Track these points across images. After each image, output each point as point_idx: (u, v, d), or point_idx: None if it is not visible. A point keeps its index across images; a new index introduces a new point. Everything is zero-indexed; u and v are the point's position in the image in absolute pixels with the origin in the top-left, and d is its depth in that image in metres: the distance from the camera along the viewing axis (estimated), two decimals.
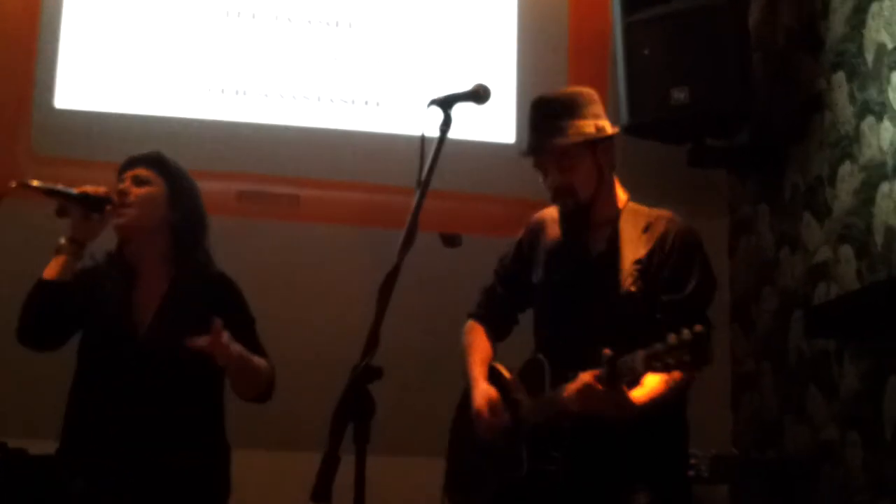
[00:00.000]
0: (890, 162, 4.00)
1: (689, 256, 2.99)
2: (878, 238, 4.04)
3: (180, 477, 3.00)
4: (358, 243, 4.82)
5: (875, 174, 4.09)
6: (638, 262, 2.97)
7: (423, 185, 2.48)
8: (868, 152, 4.16)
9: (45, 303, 3.05)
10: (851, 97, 4.31)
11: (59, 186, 3.08)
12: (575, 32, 5.33)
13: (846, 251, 4.26)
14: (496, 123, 5.08)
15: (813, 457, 4.38)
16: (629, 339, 2.70)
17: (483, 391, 3.07)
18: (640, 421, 2.79)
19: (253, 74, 5.04)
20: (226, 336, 2.89)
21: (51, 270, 3.06)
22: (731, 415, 5.10)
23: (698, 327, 2.49)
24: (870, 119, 4.16)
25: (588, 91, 3.13)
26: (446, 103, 2.62)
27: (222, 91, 5.00)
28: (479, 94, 2.70)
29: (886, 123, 4.04)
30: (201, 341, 2.86)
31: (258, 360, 3.08)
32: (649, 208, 3.12)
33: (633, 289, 2.95)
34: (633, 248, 3.00)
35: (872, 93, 4.15)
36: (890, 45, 4.05)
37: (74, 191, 3.08)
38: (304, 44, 5.11)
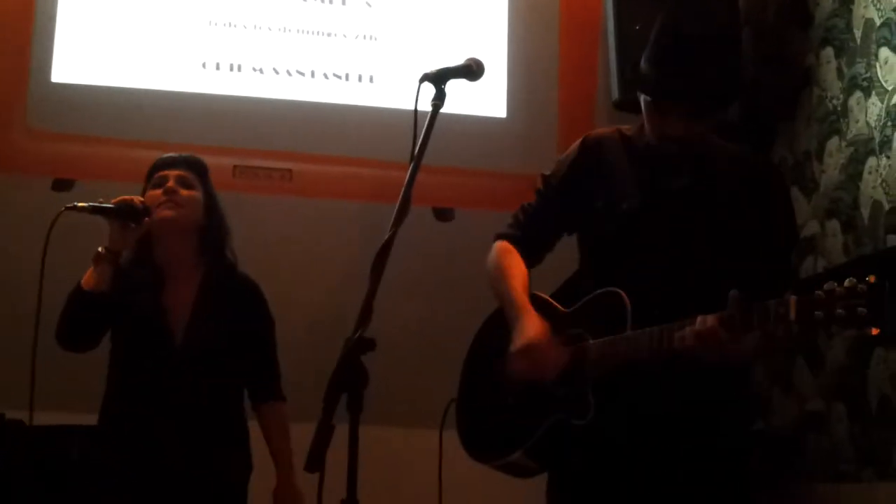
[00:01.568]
0: (877, 137, 4.04)
1: (774, 199, 2.72)
2: (865, 212, 4.08)
3: (210, 466, 3.16)
4: (351, 217, 4.84)
5: (862, 149, 4.13)
6: (727, 204, 2.67)
7: (416, 160, 2.46)
8: (855, 127, 4.19)
9: (85, 312, 3.16)
10: (839, 73, 4.34)
11: (101, 202, 3.14)
12: (566, 8, 5.33)
13: (833, 225, 4.29)
14: (487, 98, 5.09)
15: (800, 428, 4.43)
16: (723, 287, 2.45)
17: (535, 322, 2.71)
18: (719, 380, 2.54)
19: (247, 49, 5.04)
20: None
21: (90, 280, 3.14)
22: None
23: (872, 278, 2.17)
24: (857, 94, 4.19)
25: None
26: (439, 78, 2.57)
27: (217, 66, 5.00)
28: (472, 70, 2.65)
29: (874, 99, 4.08)
30: None
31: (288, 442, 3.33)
32: (730, 144, 2.84)
33: (723, 230, 2.64)
34: (721, 186, 2.70)
35: (860, 68, 4.18)
36: (878, 21, 4.08)
37: (112, 203, 3.14)
38: (297, 19, 5.11)
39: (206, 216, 3.29)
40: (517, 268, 2.86)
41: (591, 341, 2.65)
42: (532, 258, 2.92)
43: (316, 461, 2.14)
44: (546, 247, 2.96)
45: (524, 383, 2.74)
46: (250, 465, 3.32)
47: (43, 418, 3.51)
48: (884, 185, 3.98)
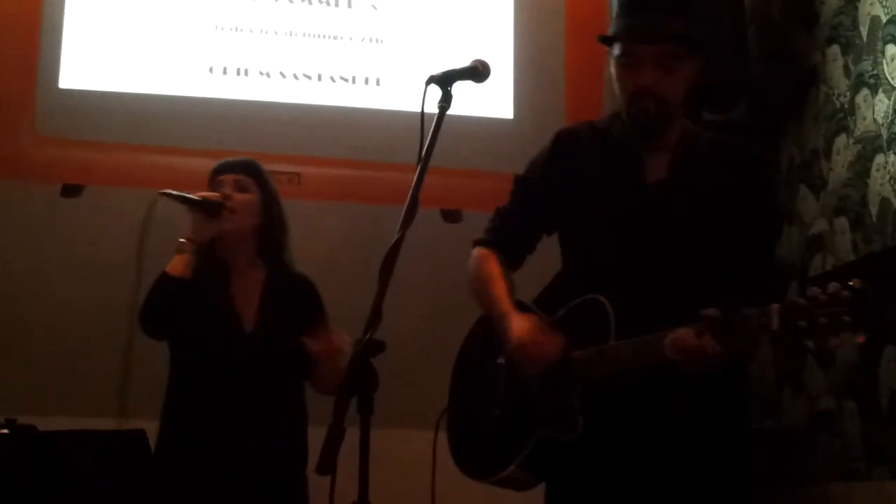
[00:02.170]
0: (884, 134, 4.03)
1: (758, 191, 2.67)
2: (873, 209, 4.07)
3: (272, 453, 3.31)
4: (359, 220, 4.84)
5: (870, 146, 4.12)
6: (707, 198, 2.63)
7: (424, 162, 2.47)
8: (863, 125, 4.18)
9: (170, 296, 3.30)
10: (846, 70, 4.33)
11: (187, 193, 3.32)
12: (572, 8, 5.33)
13: (842, 223, 4.29)
14: (494, 99, 5.09)
15: (810, 426, 4.42)
16: (702, 283, 2.50)
17: (521, 320, 2.68)
18: (709, 384, 2.47)
19: (254, 53, 5.05)
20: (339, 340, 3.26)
21: (175, 267, 3.32)
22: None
23: (857, 282, 2.12)
24: (864, 92, 4.18)
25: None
26: (445, 80, 2.59)
27: (224, 70, 5.01)
28: (478, 72, 2.66)
29: (881, 96, 4.07)
30: (316, 346, 3.28)
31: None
32: (710, 133, 2.80)
33: (703, 226, 2.61)
34: (699, 179, 2.66)
35: (867, 66, 4.18)
36: (884, 18, 4.08)
37: (197, 196, 3.33)
38: (304, 22, 5.12)
39: (264, 216, 3.46)
40: (498, 274, 2.84)
41: (576, 352, 2.62)
42: (513, 262, 2.90)
43: (327, 464, 2.14)
44: (526, 249, 2.93)
45: (511, 395, 2.73)
46: (306, 452, 3.41)
47: (52, 424, 3.52)
48: (892, 182, 3.97)
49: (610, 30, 2.73)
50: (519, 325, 2.68)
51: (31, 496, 3.58)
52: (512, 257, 2.90)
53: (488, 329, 2.85)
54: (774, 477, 4.54)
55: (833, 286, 2.14)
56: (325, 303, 4.61)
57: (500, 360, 2.81)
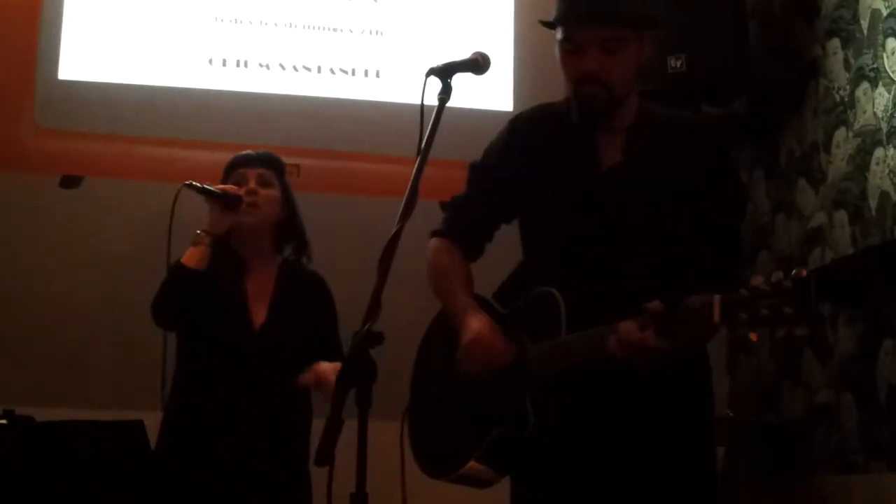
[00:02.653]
0: (884, 128, 4.03)
1: (725, 175, 2.63)
2: (872, 203, 4.07)
3: (275, 453, 3.30)
4: (358, 212, 4.84)
5: (869, 140, 4.12)
6: (664, 180, 2.57)
7: (423, 154, 2.46)
8: (862, 118, 4.19)
9: (185, 287, 3.29)
10: (846, 64, 4.33)
11: (208, 185, 3.32)
12: None
13: (841, 216, 4.29)
14: (494, 91, 5.09)
15: (808, 419, 4.43)
16: (659, 270, 2.49)
17: (477, 317, 2.63)
18: (669, 378, 2.46)
19: (254, 45, 5.05)
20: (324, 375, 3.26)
21: (190, 258, 3.30)
22: (727, 378, 5.14)
23: (803, 272, 2.06)
24: (864, 85, 4.18)
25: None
26: (445, 72, 2.57)
27: (224, 62, 5.00)
28: (478, 64, 2.63)
29: (881, 89, 4.07)
30: (306, 378, 3.30)
31: None
32: (667, 111, 2.74)
33: (660, 211, 2.55)
34: (655, 162, 2.59)
35: (867, 59, 4.18)
36: (884, 12, 4.08)
37: (217, 189, 3.33)
38: (303, 14, 5.12)
39: (283, 211, 3.47)
40: (456, 267, 2.80)
41: (528, 346, 2.58)
42: (472, 252, 2.85)
43: (325, 455, 2.14)
44: (485, 238, 2.87)
45: (466, 392, 2.69)
46: (308, 450, 3.40)
47: (49, 414, 3.52)
48: (891, 175, 3.97)
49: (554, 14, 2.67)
50: (472, 325, 2.63)
51: (29, 486, 3.59)
52: (471, 247, 2.85)
53: (446, 323, 2.81)
54: (773, 470, 4.55)
55: (776, 276, 2.10)
56: None
57: (457, 355, 2.74)
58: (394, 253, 2.32)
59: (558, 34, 2.64)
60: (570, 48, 2.60)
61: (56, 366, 4.55)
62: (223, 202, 3.32)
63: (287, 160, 4.91)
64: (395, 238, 2.33)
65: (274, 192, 3.46)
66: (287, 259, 3.52)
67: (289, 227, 3.51)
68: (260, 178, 3.44)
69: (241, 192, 3.36)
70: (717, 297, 2.20)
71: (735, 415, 4.66)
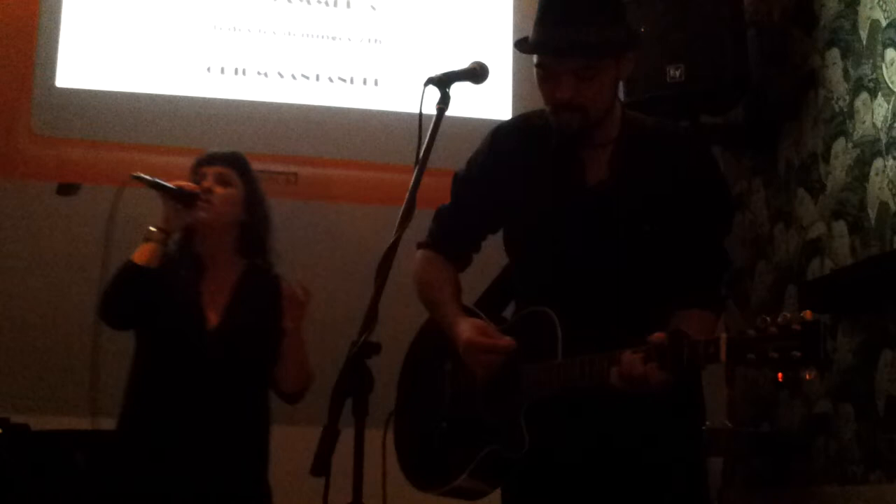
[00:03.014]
0: (883, 138, 4.03)
1: (710, 186, 2.63)
2: (872, 213, 4.06)
3: (231, 461, 3.17)
4: (356, 221, 4.83)
5: (868, 150, 4.12)
6: (650, 192, 2.55)
7: (421, 163, 2.46)
8: (861, 129, 4.18)
9: (134, 286, 3.17)
10: (845, 74, 4.32)
11: (161, 180, 3.21)
12: None
13: (840, 227, 4.28)
14: (493, 101, 5.08)
15: (807, 430, 4.42)
16: (650, 286, 2.50)
17: (467, 323, 2.62)
18: (663, 399, 2.40)
19: (252, 53, 5.05)
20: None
21: (141, 255, 3.18)
22: (725, 389, 5.13)
23: (808, 314, 2.05)
24: (864, 95, 4.18)
25: None
26: (444, 81, 2.57)
27: (222, 70, 5.00)
28: (476, 73, 2.64)
29: (880, 100, 4.06)
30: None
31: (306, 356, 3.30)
32: (652, 121, 2.70)
33: (649, 226, 2.54)
34: (642, 176, 2.58)
35: (866, 69, 4.17)
36: (884, 22, 4.07)
37: (172, 184, 3.22)
38: (302, 23, 5.12)
39: (246, 211, 3.34)
40: (443, 278, 2.79)
41: (523, 366, 2.56)
42: (458, 262, 2.84)
43: (321, 465, 2.13)
44: (471, 249, 2.86)
45: (457, 405, 2.70)
46: (266, 460, 3.31)
47: (45, 423, 3.52)
48: (891, 186, 3.97)
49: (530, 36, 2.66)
50: (467, 327, 2.61)
51: (24, 494, 3.58)
52: (457, 258, 2.84)
53: (434, 334, 2.80)
54: (771, 480, 4.54)
55: (783, 318, 2.09)
56: (321, 304, 4.61)
57: (447, 367, 2.76)
58: (391, 263, 2.32)
59: (534, 58, 2.63)
60: (544, 75, 2.59)
61: (52, 374, 4.53)
62: (178, 198, 3.21)
63: (285, 168, 4.95)
64: (393, 247, 2.33)
65: (232, 192, 3.31)
66: (253, 261, 3.37)
67: (251, 230, 3.36)
68: (218, 176, 3.30)
69: (201, 190, 3.25)
70: (723, 336, 2.20)
71: (733, 425, 4.64)
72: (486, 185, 2.77)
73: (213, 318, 3.25)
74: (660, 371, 2.29)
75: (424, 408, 2.82)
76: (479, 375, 2.61)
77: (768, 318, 2.10)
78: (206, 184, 3.28)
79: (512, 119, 2.92)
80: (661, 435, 2.53)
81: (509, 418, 2.55)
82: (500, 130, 2.83)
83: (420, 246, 2.86)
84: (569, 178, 2.64)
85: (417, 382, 2.90)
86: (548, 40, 2.56)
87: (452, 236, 2.84)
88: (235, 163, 3.38)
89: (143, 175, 3.19)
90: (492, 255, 2.90)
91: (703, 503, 2.68)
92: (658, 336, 2.31)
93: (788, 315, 2.08)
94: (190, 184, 3.26)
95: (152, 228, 3.20)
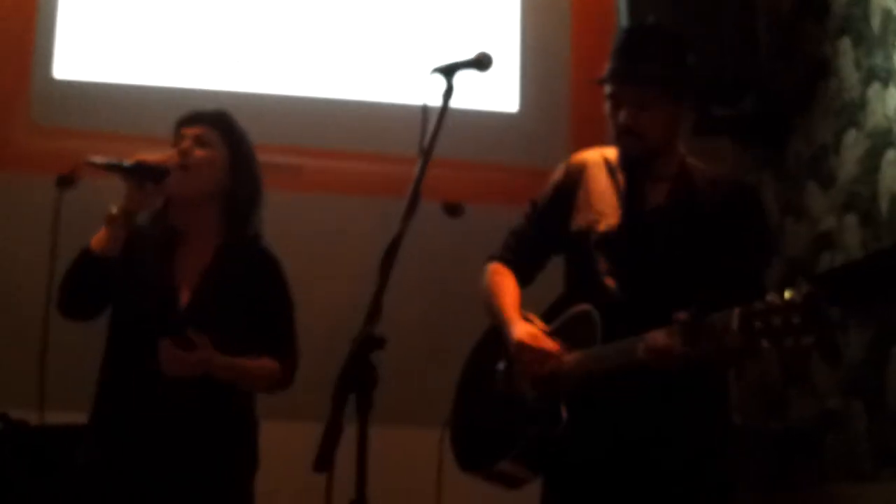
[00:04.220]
0: (895, 129, 4.00)
1: (752, 220, 2.88)
2: (884, 206, 4.04)
3: (210, 450, 2.91)
4: (360, 213, 4.82)
5: (880, 141, 4.09)
6: (698, 220, 2.81)
7: (426, 154, 2.47)
8: (873, 119, 4.15)
9: (92, 276, 2.90)
10: (857, 63, 4.29)
11: (115, 160, 2.89)
12: (578, 1, 5.31)
13: (851, 219, 4.25)
14: (499, 92, 5.07)
15: (817, 426, 4.40)
16: (684, 302, 2.58)
17: (522, 325, 2.87)
18: (689, 383, 2.68)
19: (253, 44, 5.04)
20: (195, 356, 2.81)
21: (99, 242, 2.88)
22: (735, 384, 5.11)
23: (808, 287, 2.29)
24: (876, 85, 4.15)
25: (688, 37, 3.01)
26: (448, 71, 2.60)
27: (223, 61, 4.99)
28: (481, 62, 2.67)
29: (892, 90, 4.04)
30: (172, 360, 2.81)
31: (249, 365, 2.96)
32: (707, 167, 2.98)
33: (692, 248, 2.78)
34: (693, 206, 2.84)
35: (878, 59, 4.14)
36: None
37: (128, 162, 2.89)
38: (305, 13, 5.10)
39: (230, 177, 3.04)
40: (506, 286, 3.01)
41: (566, 355, 2.77)
42: (523, 278, 3.06)
43: (325, 461, 2.13)
44: (535, 267, 3.10)
45: (507, 397, 2.89)
46: (256, 461, 3.07)
47: (50, 417, 3.49)
48: None
49: None
50: (520, 329, 2.85)
51: (24, 489, 3.56)
52: (522, 275, 3.07)
53: (492, 340, 3.02)
54: (781, 477, 4.52)
55: (788, 291, 2.31)
56: (325, 297, 4.59)
57: (500, 366, 2.96)
58: (396, 255, 2.33)
59: (606, 89, 2.90)
60: (612, 102, 2.87)
61: (52, 369, 4.49)
62: (141, 177, 2.88)
63: (288, 160, 4.92)
64: (398, 240, 2.34)
65: (212, 154, 3.00)
66: (235, 233, 3.04)
67: (233, 197, 3.04)
68: (198, 138, 3.01)
69: (167, 159, 2.93)
70: (736, 309, 2.39)
71: (743, 421, 4.62)
72: (554, 211, 3.01)
73: (185, 296, 2.95)
74: (682, 344, 2.50)
75: (479, 401, 3.04)
76: (527, 373, 2.81)
77: (776, 295, 2.32)
78: (184, 145, 2.99)
79: (587, 150, 3.10)
80: (690, 425, 2.75)
81: (550, 402, 2.74)
82: (573, 159, 3.07)
83: (489, 259, 3.10)
84: (629, 200, 2.89)
85: (474, 382, 3.11)
86: (614, 71, 2.86)
87: (519, 255, 3.08)
88: (218, 122, 3.09)
89: (95, 159, 2.89)
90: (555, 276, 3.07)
91: (726, 491, 2.85)
92: (681, 312, 2.51)
93: (792, 290, 2.30)
94: (154, 156, 2.93)
95: (113, 210, 2.88)
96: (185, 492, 2.89)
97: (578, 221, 2.95)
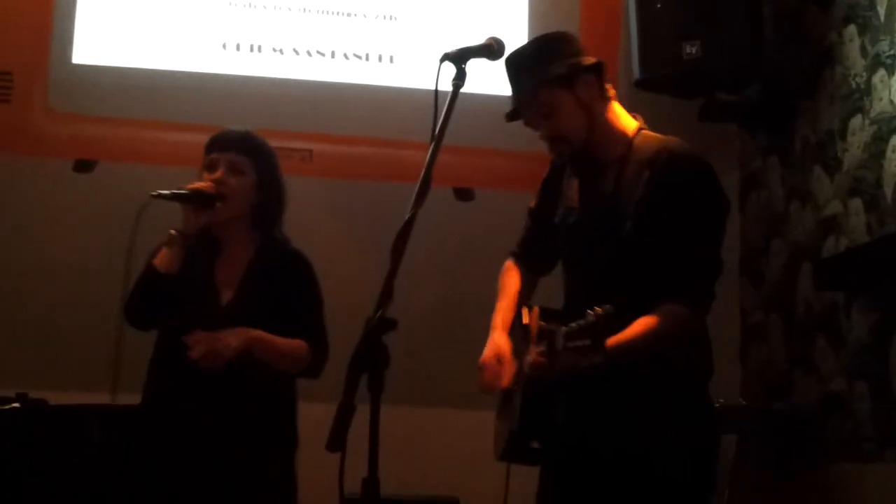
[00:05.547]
0: None
1: (684, 190, 2.79)
2: (888, 191, 4.05)
3: (254, 431, 3.17)
4: (371, 198, 4.84)
5: (886, 127, 4.10)
6: (639, 201, 2.79)
7: (437, 140, 2.47)
8: (879, 105, 4.16)
9: (157, 292, 3.21)
10: (863, 50, 4.30)
11: (176, 190, 3.21)
12: None
13: (856, 204, 4.27)
14: None
15: (821, 408, 4.42)
16: (635, 285, 2.70)
17: (492, 343, 2.94)
18: (633, 374, 2.71)
19: (267, 30, 5.05)
20: (219, 341, 3.09)
21: (163, 262, 3.20)
22: (740, 366, 5.15)
23: (605, 308, 2.39)
24: (881, 72, 4.16)
25: (556, 34, 3.01)
26: (460, 58, 2.60)
27: (237, 46, 5.01)
28: (492, 49, 2.68)
29: None
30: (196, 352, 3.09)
31: (284, 344, 3.23)
32: (659, 138, 2.92)
33: (632, 231, 2.78)
34: (635, 187, 2.81)
35: (884, 46, 4.15)
36: None
37: (186, 190, 3.22)
38: None
39: (258, 195, 3.33)
40: (506, 288, 3.10)
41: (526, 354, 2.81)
42: (537, 270, 3.17)
43: (337, 441, 2.15)
44: (546, 261, 3.15)
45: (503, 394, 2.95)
46: (296, 439, 3.33)
47: (66, 399, 3.54)
48: None
49: None
50: (489, 345, 2.93)
51: (41, 468, 3.61)
52: (534, 269, 3.16)
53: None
54: (785, 458, 4.54)
55: (592, 313, 2.40)
56: (337, 281, 4.62)
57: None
58: (407, 239, 2.34)
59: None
60: (530, 126, 2.99)
61: (69, 350, 4.56)
62: (196, 202, 3.22)
63: (300, 145, 4.96)
64: (409, 224, 2.34)
65: (244, 180, 3.30)
66: (268, 238, 3.38)
67: (264, 209, 3.35)
68: (230, 165, 3.29)
69: (213, 187, 3.24)
70: (563, 329, 2.52)
71: (747, 403, 4.65)
72: (543, 207, 3.11)
73: (226, 296, 3.27)
74: (545, 359, 2.59)
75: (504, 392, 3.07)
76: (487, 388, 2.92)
77: (590, 312, 2.40)
78: (219, 176, 3.27)
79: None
80: (657, 416, 2.76)
81: (514, 402, 2.82)
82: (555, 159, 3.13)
83: (509, 254, 3.19)
84: (588, 193, 2.95)
85: None
86: (511, 106, 2.99)
87: (528, 252, 3.17)
88: (248, 149, 3.36)
89: (161, 192, 3.21)
90: None
91: (706, 485, 2.87)
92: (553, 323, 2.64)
93: (596, 310, 2.39)
94: (205, 184, 3.26)
95: (173, 232, 3.23)
96: (233, 471, 3.14)
97: (557, 216, 3.02)
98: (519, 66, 2.93)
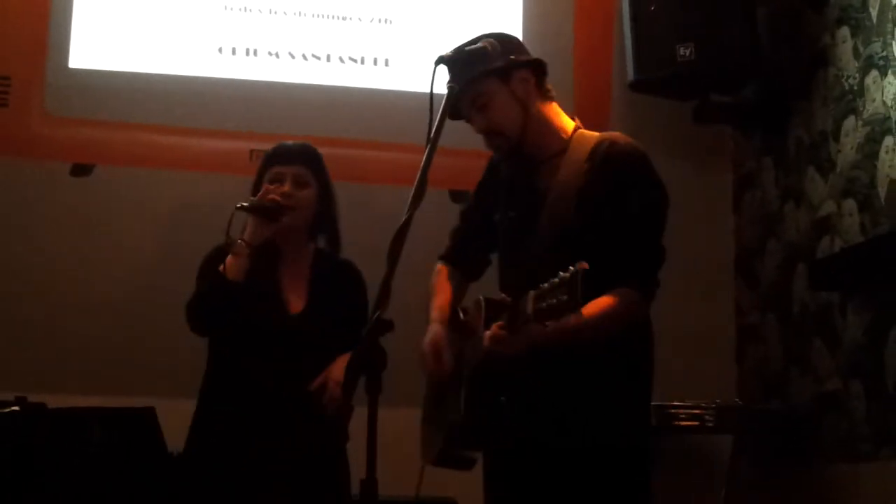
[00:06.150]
0: (893, 116, 4.02)
1: (626, 179, 2.84)
2: (882, 192, 4.07)
3: (312, 427, 3.27)
4: (367, 200, 4.84)
5: (879, 128, 4.11)
6: (579, 192, 2.83)
7: (432, 142, 2.50)
8: (872, 107, 4.18)
9: (225, 300, 3.29)
10: (856, 52, 4.32)
11: (246, 203, 3.31)
12: None
13: (850, 205, 4.28)
14: None
15: (817, 407, 4.43)
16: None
17: (431, 333, 2.98)
18: (585, 360, 2.75)
19: (263, 34, 5.05)
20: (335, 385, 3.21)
21: (231, 269, 3.29)
22: (735, 366, 5.16)
23: (582, 265, 2.31)
24: (874, 73, 4.17)
25: (499, 32, 3.05)
26: (454, 61, 2.65)
27: (233, 50, 5.01)
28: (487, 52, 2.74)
29: (890, 78, 4.06)
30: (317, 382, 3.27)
31: None
32: (599, 133, 2.97)
33: (574, 222, 2.81)
34: (575, 180, 2.85)
35: (877, 47, 4.17)
36: (894, 0, 4.06)
37: (267, 202, 3.33)
38: (312, 3, 5.12)
39: (321, 205, 3.48)
40: (439, 287, 3.15)
41: (466, 345, 2.88)
42: (469, 273, 3.22)
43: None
44: (477, 261, 3.21)
45: (441, 388, 2.96)
46: (346, 434, 3.29)
47: (61, 401, 3.54)
48: None
49: None
50: (427, 337, 2.97)
51: (40, 472, 3.61)
52: (467, 273, 3.21)
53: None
54: (781, 457, 4.55)
55: (561, 272, 2.35)
56: None
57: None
58: (403, 242, 2.36)
59: None
60: (467, 121, 3.00)
61: (68, 353, 4.57)
62: (267, 215, 3.33)
63: None
64: (405, 227, 2.37)
65: (310, 192, 3.45)
66: (320, 248, 3.55)
67: (322, 218, 3.52)
68: (296, 178, 3.43)
69: (281, 198, 3.35)
70: (531, 293, 2.47)
71: (743, 402, 4.66)
72: (479, 206, 3.17)
73: (296, 304, 3.39)
74: (507, 330, 2.58)
75: (430, 393, 3.11)
76: (430, 373, 2.96)
77: (561, 272, 2.35)
78: (287, 189, 3.38)
79: None
80: (593, 413, 2.80)
81: (456, 390, 2.83)
82: (493, 156, 3.16)
83: (439, 258, 3.24)
84: (524, 188, 2.99)
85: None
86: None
87: (461, 255, 3.21)
88: (309, 160, 3.49)
89: (244, 204, 3.30)
90: None
91: (638, 484, 2.87)
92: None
93: (570, 268, 2.32)
94: (274, 196, 3.35)
95: (240, 242, 3.31)
96: (294, 465, 3.26)
97: (496, 214, 3.07)
98: (457, 58, 2.89)
